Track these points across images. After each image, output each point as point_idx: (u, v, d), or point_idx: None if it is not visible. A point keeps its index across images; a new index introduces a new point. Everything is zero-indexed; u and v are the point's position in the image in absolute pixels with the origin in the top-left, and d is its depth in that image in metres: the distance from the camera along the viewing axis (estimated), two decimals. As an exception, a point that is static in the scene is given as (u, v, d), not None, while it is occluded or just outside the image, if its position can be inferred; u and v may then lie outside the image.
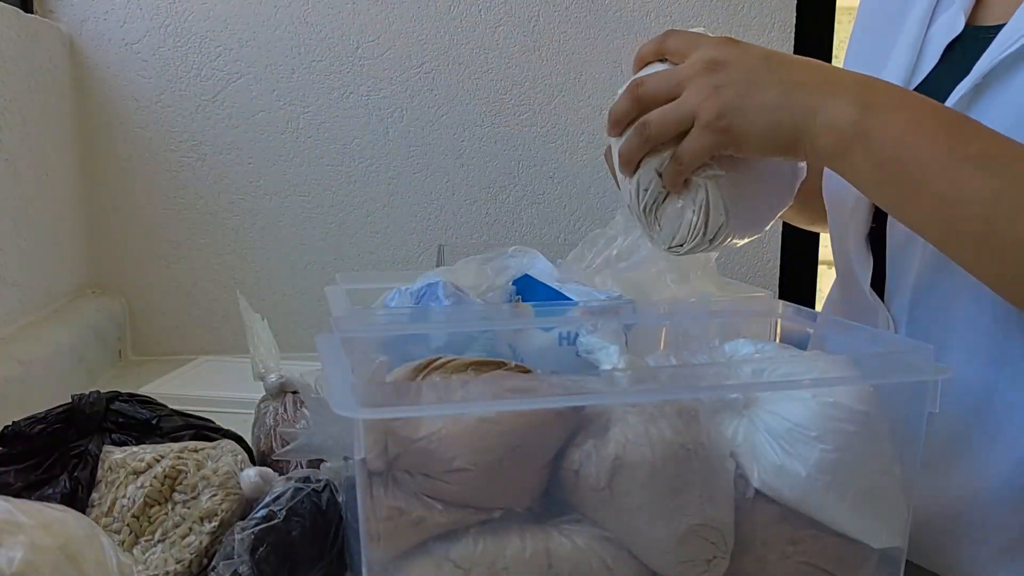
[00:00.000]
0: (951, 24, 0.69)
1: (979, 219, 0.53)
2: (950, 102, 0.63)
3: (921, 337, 0.66)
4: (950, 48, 0.68)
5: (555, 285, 0.71)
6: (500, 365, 0.55)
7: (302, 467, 0.72)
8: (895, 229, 0.70)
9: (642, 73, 0.65)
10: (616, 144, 0.66)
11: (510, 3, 1.50)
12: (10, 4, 1.19)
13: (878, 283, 0.72)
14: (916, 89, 0.68)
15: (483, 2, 1.49)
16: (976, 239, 0.54)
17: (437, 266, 0.84)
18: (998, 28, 0.63)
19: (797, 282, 1.63)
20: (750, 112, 0.59)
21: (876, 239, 0.72)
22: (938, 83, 0.67)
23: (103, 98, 1.42)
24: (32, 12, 1.34)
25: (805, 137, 0.58)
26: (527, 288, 0.73)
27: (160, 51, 1.42)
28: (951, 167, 0.54)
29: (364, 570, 0.48)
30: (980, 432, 0.64)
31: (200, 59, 1.43)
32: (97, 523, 0.61)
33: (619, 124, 0.65)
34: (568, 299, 0.69)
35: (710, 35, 0.64)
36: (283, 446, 0.69)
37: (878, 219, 0.72)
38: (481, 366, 0.55)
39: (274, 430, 0.78)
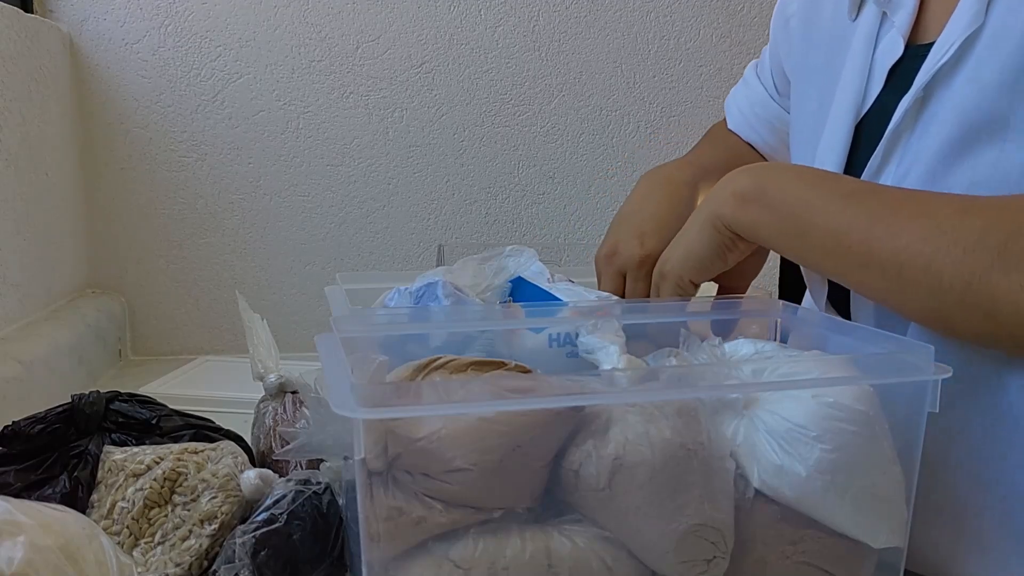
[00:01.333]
0: (892, 47, 0.71)
1: (859, 243, 0.59)
2: (896, 117, 0.67)
3: None
4: (894, 69, 0.71)
5: (544, 286, 0.71)
6: (500, 365, 0.55)
7: (301, 467, 0.72)
8: None
9: None
10: None
11: (510, 3, 1.50)
12: (10, 4, 1.19)
13: (844, 297, 0.73)
14: (868, 111, 0.72)
15: (483, 2, 1.49)
16: (860, 262, 0.59)
17: (437, 266, 0.84)
18: (928, 46, 0.66)
19: (797, 282, 1.63)
20: (680, 245, 0.69)
21: None
22: (885, 103, 0.70)
23: (103, 98, 1.42)
24: (32, 12, 1.34)
25: (718, 218, 0.66)
26: (519, 289, 0.73)
27: (160, 51, 1.42)
28: (831, 203, 0.62)
29: (364, 570, 0.48)
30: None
31: (200, 59, 1.43)
32: (97, 525, 0.61)
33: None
34: (558, 300, 0.69)
35: None
36: (283, 446, 0.69)
37: None
38: (481, 366, 0.55)
39: (273, 430, 0.78)
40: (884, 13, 0.73)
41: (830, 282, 0.75)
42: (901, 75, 0.70)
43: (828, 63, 0.78)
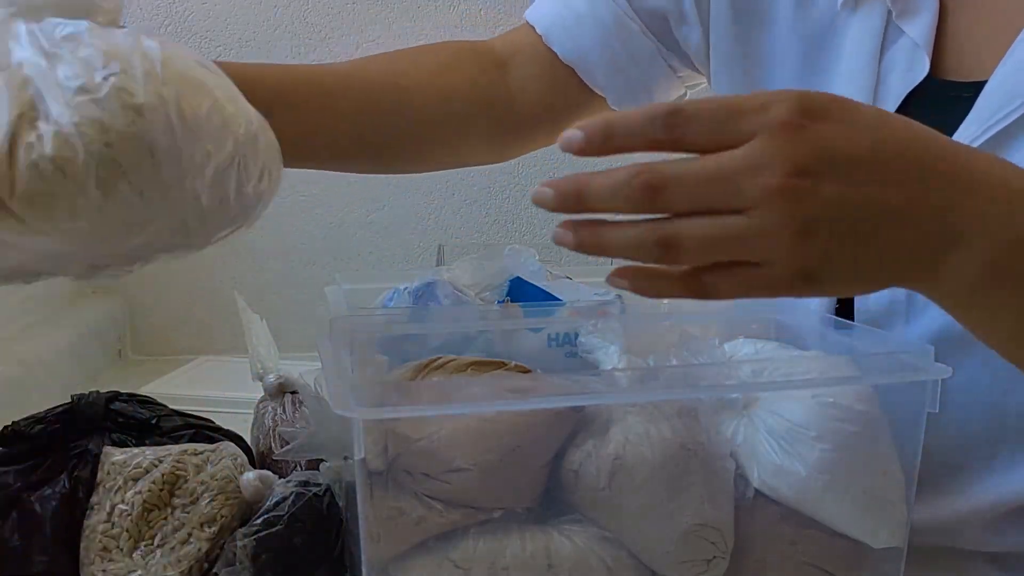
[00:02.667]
0: (908, 65, 0.57)
1: None
2: None
3: None
4: (909, 98, 0.58)
5: (543, 284, 0.71)
6: (500, 365, 0.55)
7: (301, 468, 0.72)
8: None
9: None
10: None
11: (510, 3, 1.50)
12: (10, 4, 1.19)
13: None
14: None
15: (483, 2, 1.49)
16: None
17: (437, 266, 0.84)
18: (963, 86, 0.56)
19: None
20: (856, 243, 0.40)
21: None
22: None
23: (103, 98, 1.42)
24: (32, 12, 1.34)
25: (941, 267, 0.40)
26: (518, 289, 0.73)
27: (160, 51, 1.42)
28: None
29: (364, 570, 0.49)
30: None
31: (200, 59, 1.43)
32: (97, 528, 0.61)
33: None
34: (557, 299, 0.69)
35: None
36: (282, 446, 0.69)
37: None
38: (481, 366, 0.55)
39: (273, 431, 0.78)
40: (890, 12, 0.59)
41: None
42: (918, 108, 0.57)
43: (807, 55, 0.64)
